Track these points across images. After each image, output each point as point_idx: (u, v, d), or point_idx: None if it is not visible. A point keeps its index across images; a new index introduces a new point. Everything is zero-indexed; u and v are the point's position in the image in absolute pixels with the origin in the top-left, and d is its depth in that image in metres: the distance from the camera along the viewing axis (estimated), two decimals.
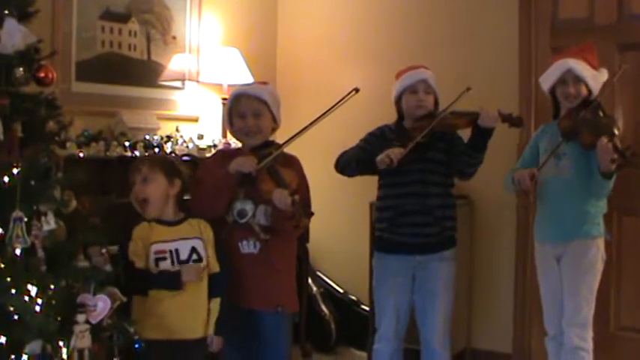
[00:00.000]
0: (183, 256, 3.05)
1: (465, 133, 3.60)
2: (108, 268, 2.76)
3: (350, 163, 3.68)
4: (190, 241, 3.08)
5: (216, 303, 3.12)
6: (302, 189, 3.26)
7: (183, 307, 3.00)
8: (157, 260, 3.00)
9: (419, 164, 3.62)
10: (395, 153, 3.44)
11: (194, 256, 3.07)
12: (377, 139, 3.67)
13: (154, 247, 3.01)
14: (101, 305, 2.59)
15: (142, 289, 2.95)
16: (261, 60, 5.70)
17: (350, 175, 3.73)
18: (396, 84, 3.77)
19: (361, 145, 3.75)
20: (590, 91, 3.65)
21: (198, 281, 3.02)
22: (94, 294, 2.60)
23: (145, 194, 3.04)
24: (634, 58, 4.45)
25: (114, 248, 2.99)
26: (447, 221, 3.70)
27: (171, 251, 3.03)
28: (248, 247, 3.22)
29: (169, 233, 3.06)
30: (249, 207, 3.20)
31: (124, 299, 2.75)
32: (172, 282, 2.95)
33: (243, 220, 3.20)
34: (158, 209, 3.07)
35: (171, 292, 2.97)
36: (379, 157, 3.46)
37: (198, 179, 3.26)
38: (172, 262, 3.01)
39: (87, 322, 2.54)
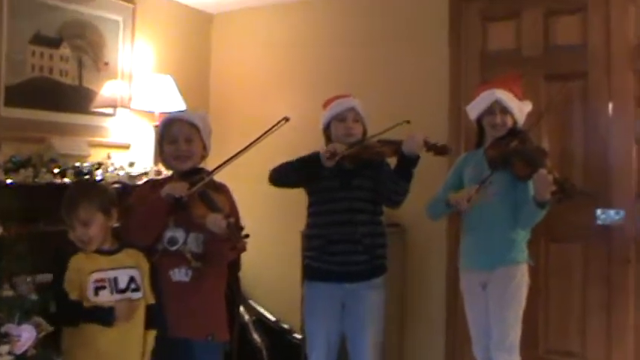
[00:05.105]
0: (122, 284, 3.00)
1: (393, 162, 3.64)
2: (33, 297, 2.71)
3: (288, 169, 3.70)
4: (129, 270, 3.04)
5: (152, 335, 3.09)
6: (233, 215, 3.25)
7: (119, 338, 2.95)
8: (97, 289, 2.93)
9: (347, 192, 3.66)
10: (339, 146, 3.50)
11: (132, 286, 3.02)
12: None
13: (94, 276, 2.94)
14: (26, 335, 2.54)
15: (74, 321, 2.88)
16: (194, 87, 5.71)
17: (285, 182, 3.75)
18: (324, 112, 3.82)
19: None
20: (515, 121, 3.74)
21: (131, 318, 2.97)
22: (19, 324, 2.54)
23: (88, 237, 2.97)
24: (559, 88, 4.57)
25: (44, 277, 2.93)
26: (376, 249, 3.73)
27: (110, 280, 2.97)
28: (179, 275, 3.18)
29: (108, 262, 3.01)
30: (180, 234, 3.18)
31: (50, 329, 2.69)
32: (105, 318, 2.88)
33: (174, 248, 3.17)
34: (100, 243, 3.03)
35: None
36: (323, 151, 3.51)
37: (129, 207, 3.22)
38: (111, 292, 2.96)
39: (10, 352, 2.48)
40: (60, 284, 2.88)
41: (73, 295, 2.89)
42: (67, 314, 2.88)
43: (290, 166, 3.72)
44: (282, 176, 3.75)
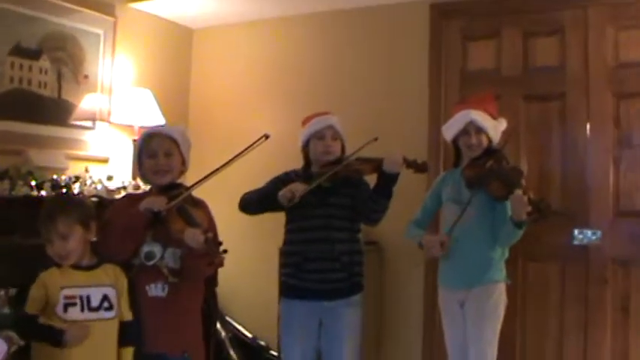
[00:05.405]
0: (94, 303, 2.94)
1: (372, 179, 3.65)
2: (5, 310, 2.67)
3: (252, 201, 3.73)
4: (103, 289, 2.98)
5: (128, 352, 3.03)
6: (211, 230, 3.23)
7: (90, 355, 2.88)
8: (66, 305, 2.87)
9: (324, 209, 3.67)
10: (297, 188, 3.49)
11: (105, 304, 2.96)
12: (282, 183, 3.69)
13: (64, 292, 2.88)
14: None
15: (26, 336, 2.82)
16: (174, 102, 5.70)
17: (252, 212, 3.78)
18: (303, 130, 3.82)
19: (266, 186, 3.79)
20: (490, 140, 3.76)
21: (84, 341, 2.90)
22: None
23: (66, 251, 2.91)
24: (538, 109, 4.63)
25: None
26: (354, 267, 3.73)
27: (81, 297, 2.91)
28: (156, 290, 3.15)
29: (83, 278, 2.95)
30: (157, 249, 3.14)
31: (22, 343, 2.65)
32: (54, 339, 2.80)
33: (151, 263, 3.13)
34: (78, 258, 2.98)
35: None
36: (281, 192, 3.52)
37: (107, 221, 3.19)
38: (82, 309, 2.90)
39: None
40: (23, 297, 2.84)
41: (32, 310, 2.83)
42: (21, 327, 2.83)
43: (253, 200, 3.74)
44: (249, 207, 3.78)
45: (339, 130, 3.77)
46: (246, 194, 3.77)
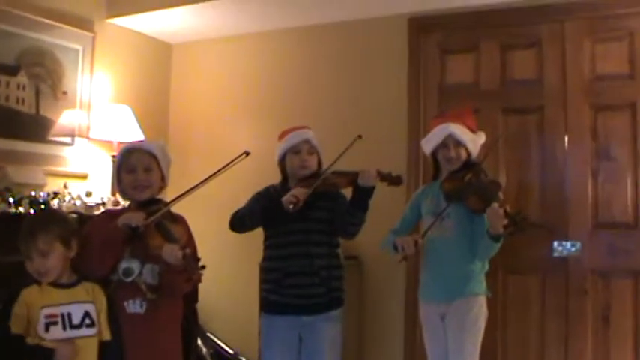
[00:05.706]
0: (76, 320, 2.90)
1: (348, 193, 3.66)
2: None
3: (247, 216, 3.70)
4: (84, 305, 2.94)
5: None
6: (190, 246, 3.21)
7: None
8: (48, 325, 2.84)
9: (303, 224, 3.66)
10: (300, 192, 3.49)
11: (87, 321, 2.93)
12: (265, 199, 3.69)
13: (45, 311, 2.84)
14: None
15: (13, 357, 2.79)
16: (153, 118, 5.68)
17: (244, 228, 3.75)
18: (279, 145, 3.82)
19: (252, 203, 3.78)
20: (469, 154, 3.78)
21: (75, 357, 2.85)
22: None
23: (46, 268, 2.88)
24: (516, 121, 4.66)
25: None
26: (333, 281, 3.72)
27: (63, 315, 2.88)
28: (134, 306, 3.13)
29: (63, 296, 2.91)
30: (135, 265, 3.11)
31: None
32: (45, 359, 2.79)
33: (129, 279, 3.11)
34: (58, 275, 2.95)
35: None
36: (285, 198, 3.51)
37: (85, 237, 3.17)
38: (64, 327, 2.86)
39: None
40: (6, 317, 2.81)
41: (17, 329, 2.79)
42: (7, 349, 2.79)
43: (251, 214, 3.72)
44: (244, 224, 3.75)
45: (316, 144, 3.78)
46: (236, 213, 3.75)
